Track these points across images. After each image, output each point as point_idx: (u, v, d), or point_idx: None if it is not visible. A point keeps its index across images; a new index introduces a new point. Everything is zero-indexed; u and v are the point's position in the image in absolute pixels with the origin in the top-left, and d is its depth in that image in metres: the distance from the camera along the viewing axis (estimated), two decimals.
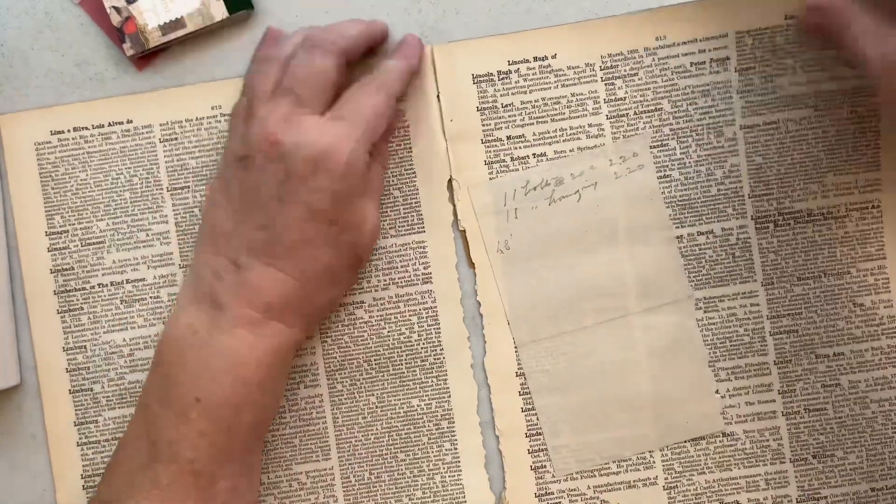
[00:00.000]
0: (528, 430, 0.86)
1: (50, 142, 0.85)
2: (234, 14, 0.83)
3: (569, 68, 0.84)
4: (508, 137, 0.84)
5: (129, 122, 0.85)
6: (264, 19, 0.85)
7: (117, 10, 0.83)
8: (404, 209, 0.85)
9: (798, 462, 0.84)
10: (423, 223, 0.85)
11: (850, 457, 0.84)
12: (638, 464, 0.85)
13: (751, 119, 0.84)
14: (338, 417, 0.85)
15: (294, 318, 0.78)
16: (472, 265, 0.85)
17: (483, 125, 0.85)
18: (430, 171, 0.86)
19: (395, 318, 0.86)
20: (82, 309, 0.85)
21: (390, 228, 0.85)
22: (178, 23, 0.83)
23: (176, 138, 0.85)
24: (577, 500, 0.85)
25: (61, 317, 0.85)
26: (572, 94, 0.84)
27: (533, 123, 0.84)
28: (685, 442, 0.85)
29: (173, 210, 0.85)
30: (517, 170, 0.85)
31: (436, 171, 0.86)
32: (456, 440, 0.86)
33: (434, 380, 0.86)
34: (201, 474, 0.75)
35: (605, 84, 0.84)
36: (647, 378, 0.85)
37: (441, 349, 0.86)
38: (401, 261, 0.86)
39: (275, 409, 0.82)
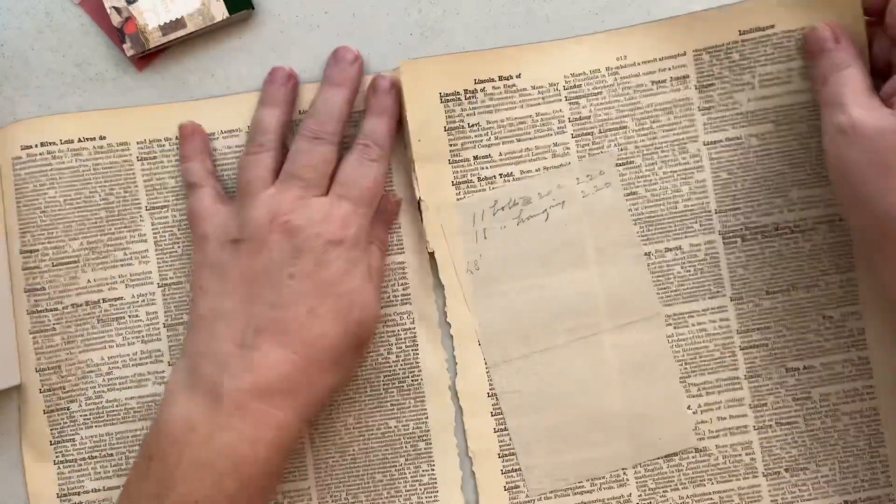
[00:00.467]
0: (500, 450, 0.86)
1: (20, 157, 0.85)
2: (234, 14, 0.84)
3: (533, 88, 0.85)
4: (475, 157, 0.85)
5: (103, 138, 0.85)
6: (264, 19, 0.85)
7: (117, 10, 0.83)
8: None
9: (771, 476, 0.86)
10: (402, 244, 0.86)
11: (823, 469, 0.85)
12: (612, 482, 0.86)
13: (713, 135, 0.85)
14: (315, 438, 0.86)
15: (296, 403, 0.77)
16: (441, 286, 0.86)
17: (450, 145, 0.85)
18: (409, 192, 0.86)
19: (374, 338, 0.86)
20: (54, 329, 0.85)
21: None
22: (178, 23, 0.83)
23: (155, 157, 0.85)
24: None
25: (33, 337, 0.85)
26: (537, 114, 0.85)
27: (499, 143, 0.85)
28: (658, 458, 0.86)
29: (152, 229, 0.85)
30: (484, 190, 0.85)
31: (414, 192, 0.86)
32: (433, 462, 0.86)
33: (412, 401, 0.86)
34: None
35: (570, 103, 0.85)
36: (620, 396, 0.85)
37: (419, 370, 0.86)
38: None
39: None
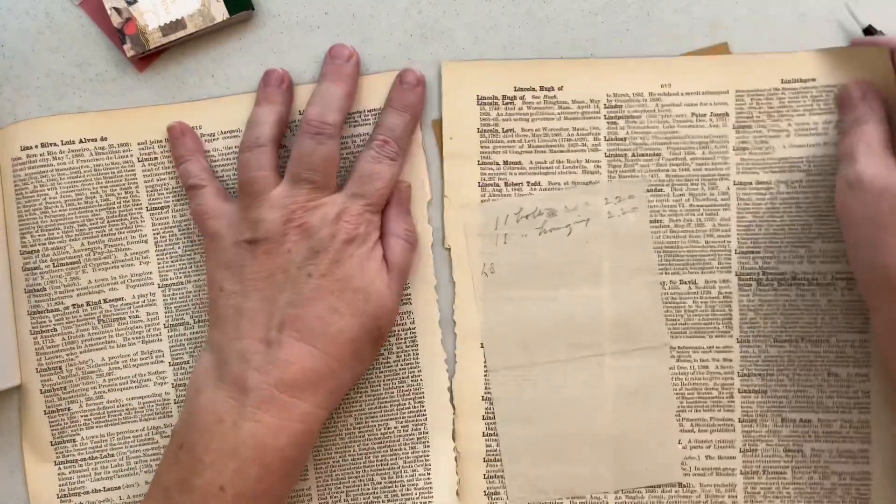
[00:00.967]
0: (486, 454, 0.86)
1: (20, 158, 0.84)
2: (234, 15, 0.82)
3: (574, 102, 0.83)
4: (505, 162, 0.84)
5: (104, 139, 0.84)
6: (264, 20, 0.84)
7: (118, 11, 0.82)
8: None
9: None
10: None
11: None
12: (591, 503, 0.86)
13: (745, 176, 0.83)
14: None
15: (319, 395, 0.78)
16: (453, 284, 0.85)
17: (481, 147, 0.84)
18: (414, 192, 0.85)
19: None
20: (55, 330, 0.85)
21: None
22: (178, 24, 0.82)
23: (156, 158, 0.84)
24: None
25: (34, 338, 0.85)
26: (574, 128, 0.84)
27: (531, 152, 0.84)
28: (641, 488, 0.86)
29: (153, 229, 0.84)
30: (510, 195, 0.84)
31: (417, 193, 0.85)
32: (430, 465, 0.86)
33: (411, 401, 0.86)
34: None
35: (608, 122, 0.83)
36: (612, 419, 0.85)
37: (419, 371, 0.86)
38: None
39: (290, 493, 0.83)
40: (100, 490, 0.86)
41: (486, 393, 0.86)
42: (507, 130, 0.84)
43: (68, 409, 0.85)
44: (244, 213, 0.79)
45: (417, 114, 0.83)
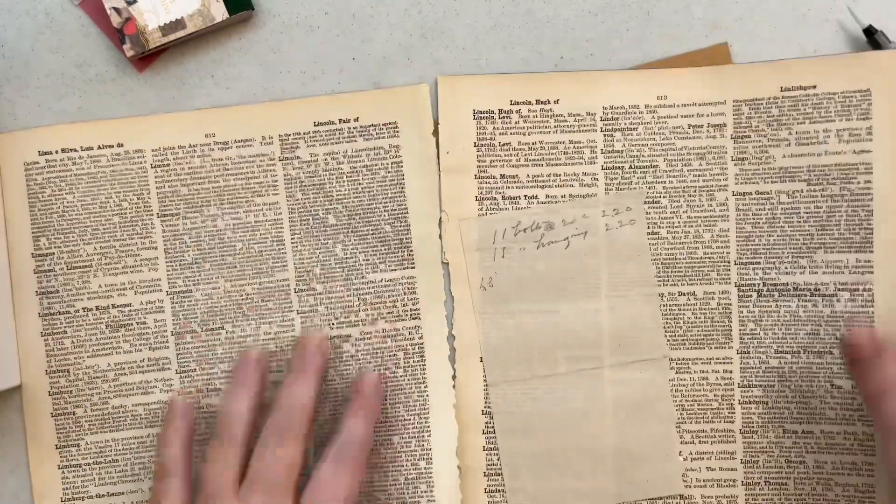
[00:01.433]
0: (487, 469, 0.85)
1: (38, 162, 0.85)
2: (234, 15, 0.82)
3: (570, 115, 0.83)
4: (502, 176, 0.84)
5: (120, 145, 0.85)
6: (264, 20, 0.84)
7: (117, 11, 0.82)
8: (395, 244, 0.85)
9: None
10: (413, 259, 0.85)
11: None
12: None
13: (743, 187, 0.82)
14: (320, 450, 0.84)
15: None
16: (451, 298, 0.85)
17: (478, 161, 0.84)
18: (423, 207, 0.85)
19: (382, 352, 0.85)
20: (65, 333, 0.86)
21: (380, 263, 0.85)
22: (178, 24, 0.82)
23: (168, 164, 0.85)
24: None
25: (45, 340, 0.86)
26: (570, 141, 0.83)
27: (528, 165, 0.83)
28: (643, 500, 0.84)
29: (163, 236, 0.85)
30: (507, 209, 0.84)
31: (428, 208, 0.85)
32: (432, 483, 0.85)
33: (416, 417, 0.85)
34: None
35: (605, 135, 0.83)
36: (613, 432, 0.84)
37: (426, 386, 0.85)
38: (390, 296, 0.85)
39: None
40: (103, 495, 0.86)
41: (486, 407, 0.85)
42: (503, 144, 0.84)
43: (73, 413, 0.85)
44: None
45: (376, 416, 0.82)
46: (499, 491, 0.85)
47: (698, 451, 0.83)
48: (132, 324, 0.85)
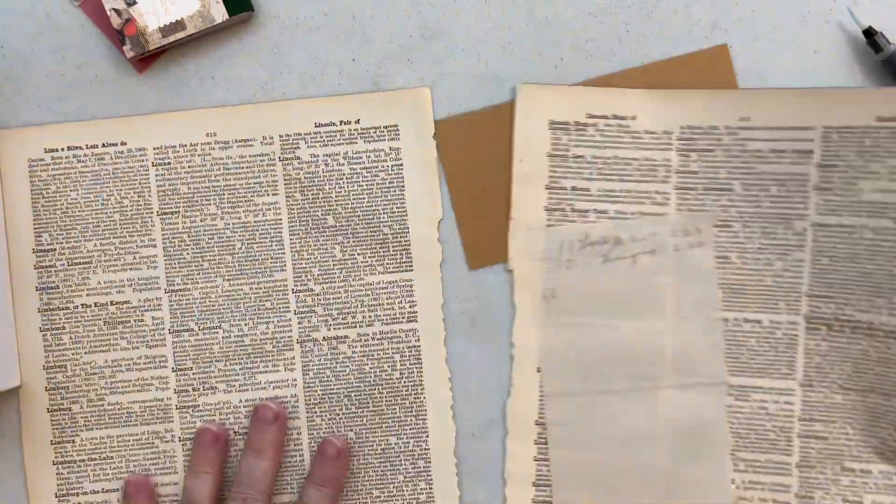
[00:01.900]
0: (536, 479, 0.84)
1: (43, 159, 0.85)
2: (234, 16, 0.82)
3: (646, 132, 0.82)
4: (573, 188, 0.83)
5: (124, 143, 0.85)
6: (264, 21, 0.84)
7: (117, 12, 0.82)
8: (394, 247, 0.85)
9: None
10: (411, 262, 0.85)
11: None
12: None
13: (825, 218, 0.80)
14: (315, 451, 0.84)
15: None
16: (513, 306, 0.84)
17: (550, 171, 0.83)
18: (422, 210, 0.85)
19: (378, 354, 0.85)
20: (64, 328, 0.86)
21: (378, 265, 0.85)
22: (178, 25, 0.82)
23: (169, 163, 0.85)
24: None
25: (43, 335, 0.86)
26: (645, 159, 0.82)
27: (600, 179, 0.82)
28: None
29: (162, 234, 0.85)
30: (576, 221, 0.83)
31: (427, 212, 0.85)
32: (431, 481, 0.85)
33: (413, 419, 0.85)
34: None
35: (680, 154, 0.82)
36: (665, 453, 0.83)
37: (422, 388, 0.85)
38: (387, 298, 0.85)
39: None
40: (98, 491, 0.86)
41: (540, 417, 0.84)
42: (577, 156, 0.83)
43: (70, 410, 0.85)
44: None
45: (341, 486, 0.84)
46: (546, 502, 0.84)
47: (752, 481, 0.82)
48: (130, 321, 0.85)
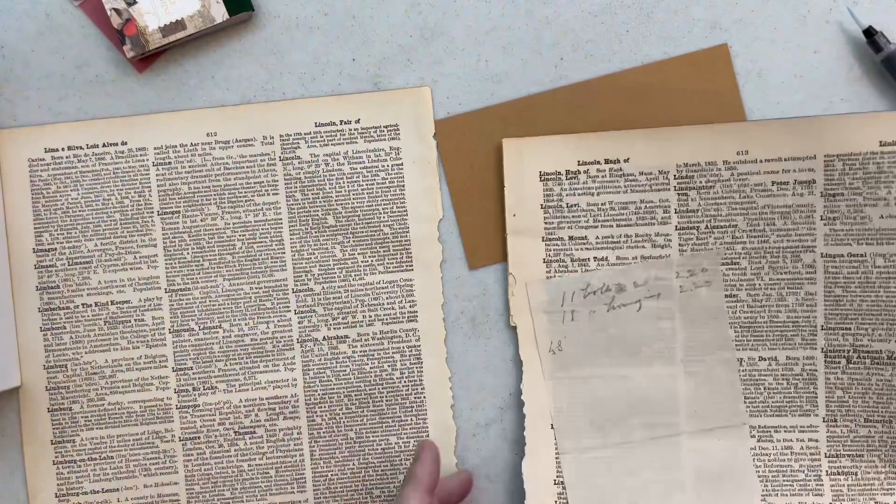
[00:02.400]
0: None
1: (44, 159, 0.85)
2: (234, 16, 0.82)
3: (641, 174, 0.81)
4: (570, 238, 0.82)
5: (124, 143, 0.85)
6: (264, 21, 0.84)
7: (117, 12, 0.82)
8: (394, 247, 0.85)
9: None
10: (411, 262, 0.85)
11: None
12: None
13: (834, 248, 0.79)
14: (315, 451, 0.85)
15: None
16: (519, 362, 0.84)
17: (545, 223, 0.82)
18: (422, 210, 0.85)
19: (379, 354, 0.85)
20: (65, 328, 0.86)
21: (378, 265, 0.85)
22: (178, 24, 0.82)
23: (169, 163, 0.85)
24: None
25: (44, 335, 0.86)
26: (642, 201, 0.81)
27: (597, 226, 0.81)
28: None
29: (162, 234, 0.85)
30: (576, 271, 0.82)
31: (427, 211, 0.85)
32: None
33: (413, 418, 0.85)
34: None
35: (679, 194, 0.81)
36: (694, 503, 0.81)
37: (422, 388, 0.85)
38: (387, 297, 0.85)
39: None
40: (98, 491, 0.86)
41: (558, 476, 0.82)
42: (571, 205, 0.82)
43: (70, 409, 0.85)
44: None
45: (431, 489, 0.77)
46: None
47: None
48: (130, 321, 0.85)
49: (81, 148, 0.85)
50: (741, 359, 0.81)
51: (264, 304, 0.85)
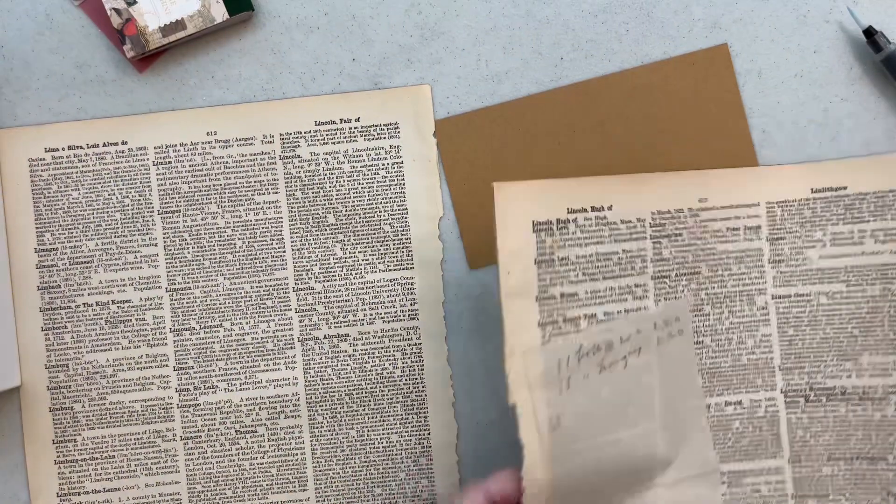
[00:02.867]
0: None
1: (44, 159, 0.85)
2: (234, 16, 0.82)
3: (622, 222, 0.80)
4: (562, 295, 0.79)
5: (125, 143, 0.85)
6: (264, 21, 0.84)
7: (118, 11, 0.82)
8: (394, 244, 0.85)
9: None
10: (412, 259, 0.85)
11: None
12: None
13: (782, 289, 0.81)
14: (317, 449, 0.85)
15: None
16: (520, 445, 0.77)
17: (539, 280, 0.79)
18: (422, 208, 0.85)
19: (379, 352, 0.85)
20: (66, 328, 0.86)
21: (379, 263, 0.85)
22: (178, 24, 0.82)
23: (170, 162, 0.85)
24: None
25: (45, 334, 0.86)
26: (623, 251, 0.80)
27: (586, 280, 0.80)
28: None
29: (163, 233, 0.85)
30: (569, 332, 0.79)
31: (428, 209, 0.85)
32: (433, 478, 0.85)
33: (415, 416, 0.85)
34: None
35: (653, 242, 0.80)
36: None
37: (423, 386, 0.85)
38: (388, 296, 0.85)
39: None
40: (99, 491, 0.86)
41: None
42: (562, 259, 0.80)
43: (71, 409, 0.86)
44: None
45: None
46: None
47: None
48: (131, 320, 0.85)
49: (82, 148, 0.85)
50: (709, 404, 0.81)
51: (265, 303, 0.85)
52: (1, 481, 0.86)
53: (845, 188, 0.80)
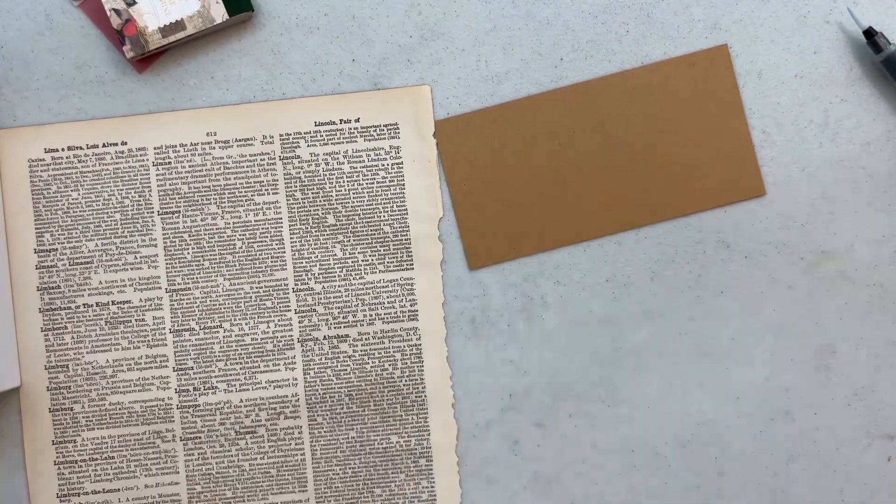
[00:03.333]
0: None
1: (44, 159, 0.85)
2: (234, 16, 0.82)
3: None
4: None
5: (124, 143, 0.85)
6: (264, 21, 0.84)
7: (117, 12, 0.82)
8: (394, 245, 0.85)
9: None
10: (412, 260, 0.85)
11: None
12: None
13: None
14: (316, 450, 0.85)
15: None
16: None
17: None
18: (422, 208, 0.85)
19: (379, 353, 0.85)
20: (66, 328, 0.86)
21: (379, 263, 0.85)
22: (178, 25, 0.82)
23: (169, 162, 0.85)
24: None
25: (45, 335, 0.86)
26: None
27: None
28: None
29: (163, 234, 0.85)
30: None
31: (428, 210, 0.85)
32: (433, 479, 0.85)
33: (414, 417, 0.85)
34: None
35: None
36: None
37: (423, 387, 0.85)
38: (388, 296, 0.85)
39: None
40: (99, 492, 0.86)
41: None
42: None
43: (71, 409, 0.85)
44: None
45: None
46: None
47: None
48: (131, 321, 0.85)
49: (81, 148, 0.85)
50: None
51: (265, 304, 0.85)
52: (1, 481, 0.86)
53: None
